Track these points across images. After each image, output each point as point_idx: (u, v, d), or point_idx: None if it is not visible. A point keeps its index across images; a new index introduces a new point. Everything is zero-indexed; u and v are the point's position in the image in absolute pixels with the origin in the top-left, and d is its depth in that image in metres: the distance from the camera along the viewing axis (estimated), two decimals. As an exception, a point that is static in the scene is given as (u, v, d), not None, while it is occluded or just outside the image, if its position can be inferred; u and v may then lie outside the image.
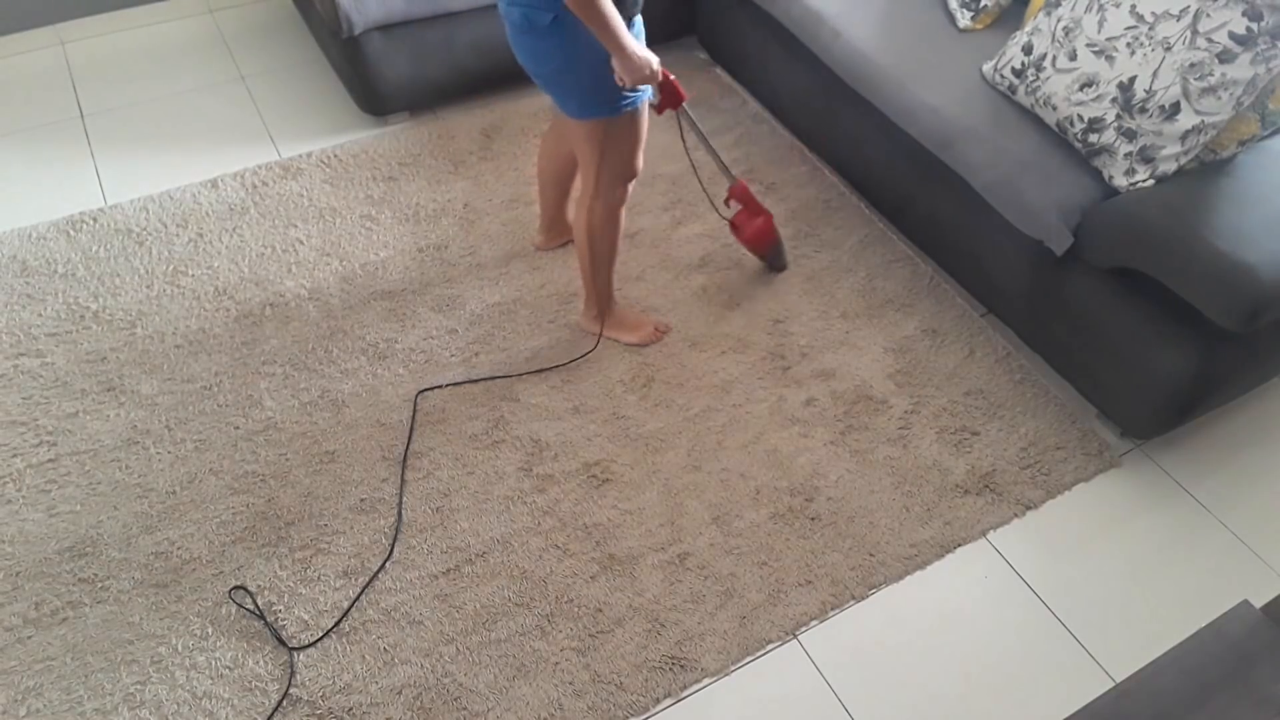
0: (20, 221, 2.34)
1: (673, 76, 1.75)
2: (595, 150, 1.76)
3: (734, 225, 2.17)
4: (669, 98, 1.78)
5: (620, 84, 1.60)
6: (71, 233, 2.30)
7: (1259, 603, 1.08)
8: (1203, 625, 1.03)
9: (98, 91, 2.76)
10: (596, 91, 1.64)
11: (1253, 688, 0.97)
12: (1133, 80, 1.80)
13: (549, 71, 1.65)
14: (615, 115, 1.69)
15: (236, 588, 1.69)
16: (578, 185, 2.10)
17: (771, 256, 2.26)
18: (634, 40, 1.55)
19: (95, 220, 2.33)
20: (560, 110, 1.76)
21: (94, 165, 2.52)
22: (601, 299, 2.06)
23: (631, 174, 1.84)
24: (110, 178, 2.49)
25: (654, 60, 1.60)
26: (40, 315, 2.11)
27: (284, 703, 1.55)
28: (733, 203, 2.15)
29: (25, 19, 2.84)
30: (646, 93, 1.72)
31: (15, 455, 1.86)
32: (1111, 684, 1.64)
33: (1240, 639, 1.01)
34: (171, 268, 2.24)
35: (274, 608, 1.67)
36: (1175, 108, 1.76)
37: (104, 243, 2.28)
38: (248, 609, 1.66)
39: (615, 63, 1.56)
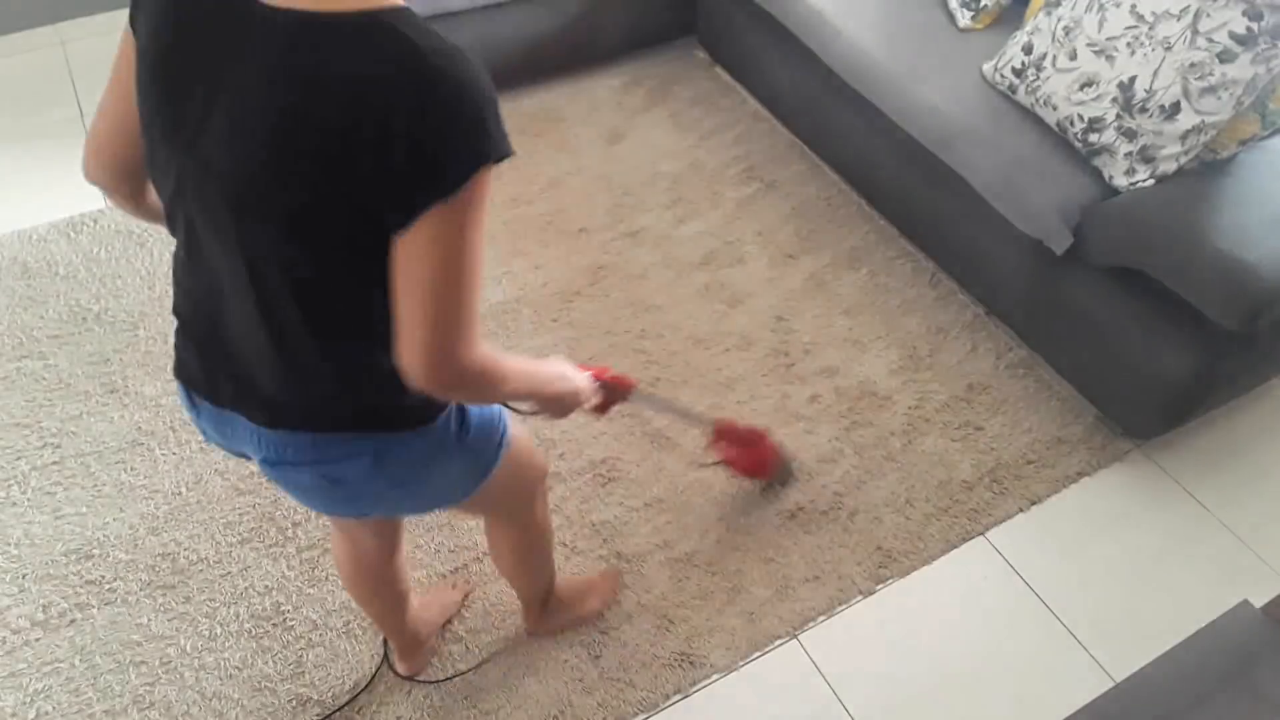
0: (20, 223, 2.34)
1: (610, 373, 1.34)
2: (483, 511, 1.40)
3: (728, 463, 1.84)
4: (611, 395, 1.36)
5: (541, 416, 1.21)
6: (72, 234, 2.30)
7: (1259, 603, 1.09)
8: (1203, 625, 1.04)
9: (98, 91, 2.73)
10: (462, 479, 1.16)
11: (1253, 688, 0.98)
12: (1133, 80, 1.80)
13: (381, 507, 1.17)
14: (490, 477, 1.18)
15: (244, 588, 1.69)
16: (414, 600, 1.57)
17: (779, 476, 1.91)
18: (548, 371, 1.13)
19: (96, 222, 2.33)
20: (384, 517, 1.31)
21: (95, 165, 2.52)
22: (544, 596, 1.61)
23: (537, 480, 1.37)
24: (111, 178, 2.48)
25: (571, 372, 1.18)
26: (42, 318, 2.12)
27: (293, 703, 1.56)
28: (720, 443, 1.79)
29: (25, 19, 2.83)
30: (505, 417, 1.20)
31: (19, 458, 1.86)
32: (1111, 684, 1.65)
33: (1240, 639, 1.02)
34: (174, 268, 2.24)
35: (282, 608, 1.68)
36: (1175, 107, 1.76)
37: (105, 244, 2.28)
38: (256, 609, 1.67)
39: (541, 407, 1.17)
